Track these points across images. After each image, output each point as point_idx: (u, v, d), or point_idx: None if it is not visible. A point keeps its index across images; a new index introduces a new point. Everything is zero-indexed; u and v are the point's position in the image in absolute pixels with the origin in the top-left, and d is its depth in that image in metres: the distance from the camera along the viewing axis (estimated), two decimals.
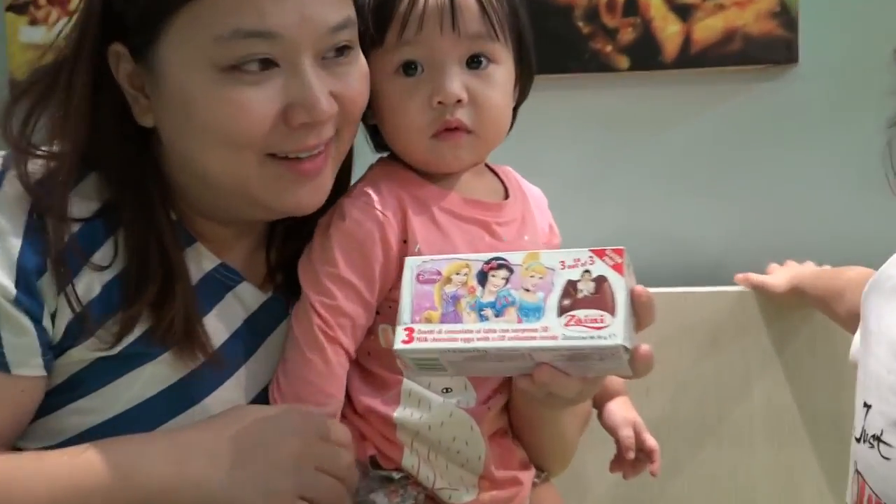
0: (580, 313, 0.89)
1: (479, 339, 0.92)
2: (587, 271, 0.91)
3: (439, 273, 0.95)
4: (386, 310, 1.08)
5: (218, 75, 0.96)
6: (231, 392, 1.06)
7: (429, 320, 0.93)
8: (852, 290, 1.30)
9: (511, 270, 0.93)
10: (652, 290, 0.94)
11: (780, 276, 1.56)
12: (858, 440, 0.99)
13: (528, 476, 1.17)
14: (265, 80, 0.98)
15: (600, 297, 0.89)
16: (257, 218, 1.10)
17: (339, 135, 1.04)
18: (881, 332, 0.99)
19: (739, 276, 1.61)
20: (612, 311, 0.89)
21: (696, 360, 1.58)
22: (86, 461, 0.96)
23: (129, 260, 1.02)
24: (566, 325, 0.90)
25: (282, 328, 1.12)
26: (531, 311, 0.91)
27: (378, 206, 1.07)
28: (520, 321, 0.91)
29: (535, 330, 0.91)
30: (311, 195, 1.05)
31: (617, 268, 0.90)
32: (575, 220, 1.77)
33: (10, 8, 1.89)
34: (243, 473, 0.99)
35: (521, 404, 1.12)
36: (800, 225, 1.78)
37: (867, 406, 0.99)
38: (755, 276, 1.59)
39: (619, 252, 0.91)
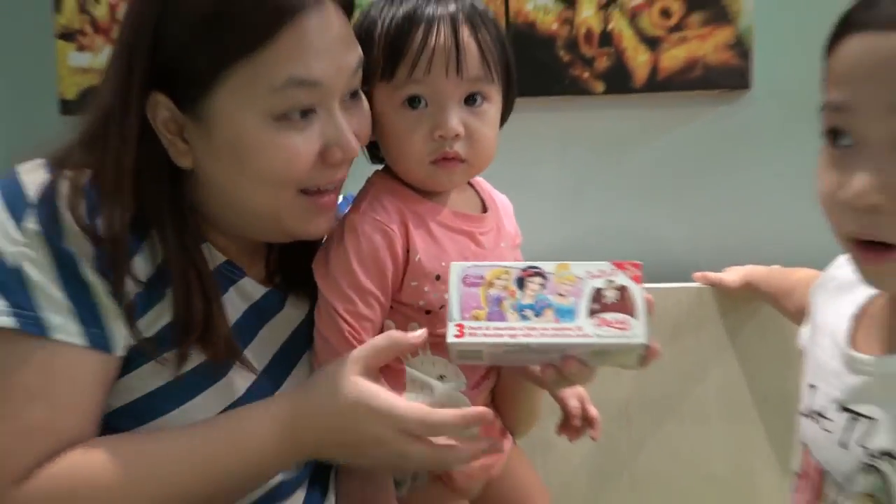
0: (608, 316, 0.95)
1: (522, 336, 0.95)
2: (611, 280, 0.96)
3: (482, 277, 0.98)
4: (390, 308, 1.10)
5: (271, 123, 0.97)
6: (237, 373, 1.05)
7: (476, 318, 0.96)
8: (801, 289, 1.30)
9: (545, 278, 0.97)
10: None
11: (733, 274, 1.58)
12: (804, 416, 0.99)
13: (507, 443, 1.20)
14: (307, 126, 0.99)
15: (623, 303, 0.95)
16: (275, 240, 1.11)
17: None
18: (825, 325, 1.00)
19: (698, 274, 1.63)
20: (634, 315, 0.95)
21: (660, 347, 1.60)
22: (206, 435, 0.98)
23: (176, 295, 1.00)
24: (597, 326, 0.95)
25: (278, 317, 1.11)
26: (566, 313, 0.95)
27: (385, 222, 1.07)
28: (557, 321, 0.95)
29: (571, 329, 0.95)
30: (326, 224, 1.07)
31: (636, 279, 0.97)
32: (557, 223, 1.82)
33: (60, 36, 1.88)
34: (343, 437, 0.99)
35: (510, 386, 1.14)
36: (752, 230, 1.79)
37: (812, 387, 0.99)
38: (712, 275, 1.61)
39: (636, 266, 0.97)
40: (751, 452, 1.63)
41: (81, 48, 1.89)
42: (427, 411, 0.98)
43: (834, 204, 0.85)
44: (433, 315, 1.08)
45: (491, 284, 0.97)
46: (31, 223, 0.94)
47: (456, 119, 1.08)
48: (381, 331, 1.09)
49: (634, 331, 0.94)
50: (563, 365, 0.99)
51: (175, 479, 0.95)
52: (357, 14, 1.11)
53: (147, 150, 0.99)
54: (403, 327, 1.08)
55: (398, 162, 1.12)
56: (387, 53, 1.08)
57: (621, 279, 0.96)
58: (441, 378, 1.07)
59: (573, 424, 1.23)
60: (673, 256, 1.80)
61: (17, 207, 0.95)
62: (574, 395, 1.24)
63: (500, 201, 1.24)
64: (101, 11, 1.88)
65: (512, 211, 1.26)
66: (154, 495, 0.95)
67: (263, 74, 0.95)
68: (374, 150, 1.17)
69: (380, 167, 1.18)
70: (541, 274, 0.97)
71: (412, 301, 1.08)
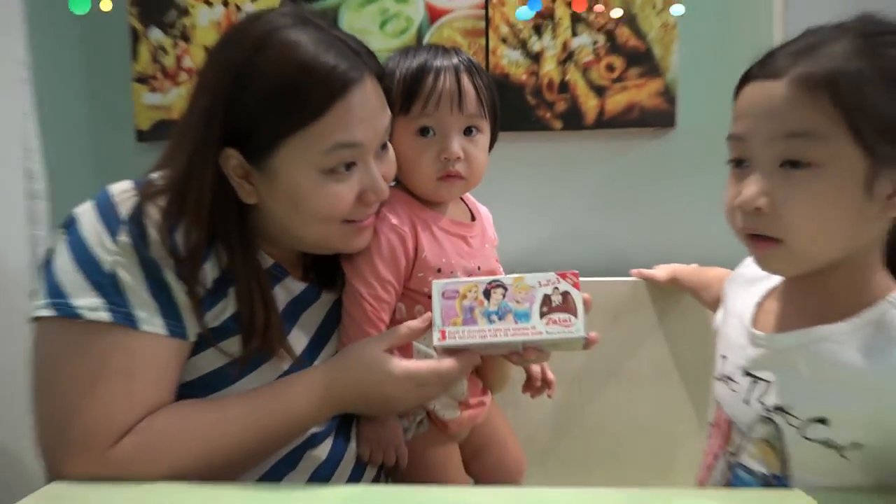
0: (555, 316, 0.96)
1: (490, 336, 0.97)
2: (556, 288, 0.96)
3: (457, 291, 0.99)
4: (402, 294, 1.11)
5: (321, 176, 0.97)
6: (282, 353, 1.03)
7: (454, 324, 0.98)
8: (715, 283, 1.32)
9: (505, 288, 0.98)
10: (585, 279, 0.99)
11: (662, 270, 1.58)
12: (717, 380, 1.01)
13: (488, 398, 1.20)
14: (349, 177, 0.99)
15: (566, 305, 0.96)
16: (322, 253, 1.09)
17: None
18: (735, 309, 1.01)
19: (634, 271, 1.62)
20: (575, 314, 0.96)
21: (605, 328, 1.62)
22: (260, 399, 0.98)
23: (240, 299, 0.99)
24: (547, 325, 0.96)
25: (313, 307, 1.10)
26: (523, 316, 0.96)
27: (400, 226, 1.08)
28: (516, 323, 0.97)
29: (528, 328, 0.96)
30: (365, 240, 1.07)
31: (576, 285, 0.97)
32: (524, 229, 1.83)
33: (136, 80, 1.87)
34: (372, 397, 1.01)
35: (487, 359, 1.16)
36: (677, 236, 1.80)
37: (723, 357, 1.00)
38: (645, 271, 1.60)
39: (575, 274, 0.97)
40: (675, 409, 1.63)
41: (153, 90, 1.88)
42: (436, 363, 1.01)
43: (731, 209, 0.89)
44: None
45: (464, 297, 0.98)
46: (124, 237, 0.94)
47: (457, 145, 1.10)
48: (395, 312, 1.11)
49: (576, 326, 0.95)
50: (524, 353, 1.01)
51: (236, 432, 0.96)
52: None
53: (220, 190, 0.97)
54: (411, 307, 1.10)
55: (411, 178, 1.13)
56: (404, 94, 1.09)
57: (564, 286, 0.96)
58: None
59: (534, 385, 1.24)
60: (615, 256, 1.81)
61: (112, 223, 0.95)
62: None
63: (484, 212, 1.26)
64: (169, 61, 1.86)
65: (491, 219, 1.27)
66: (220, 445, 0.94)
67: (317, 140, 0.95)
68: None
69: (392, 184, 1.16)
70: (502, 286, 0.98)
71: (418, 288, 1.09)
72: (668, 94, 1.78)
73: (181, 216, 0.96)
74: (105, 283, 0.92)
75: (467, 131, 1.12)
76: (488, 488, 1.03)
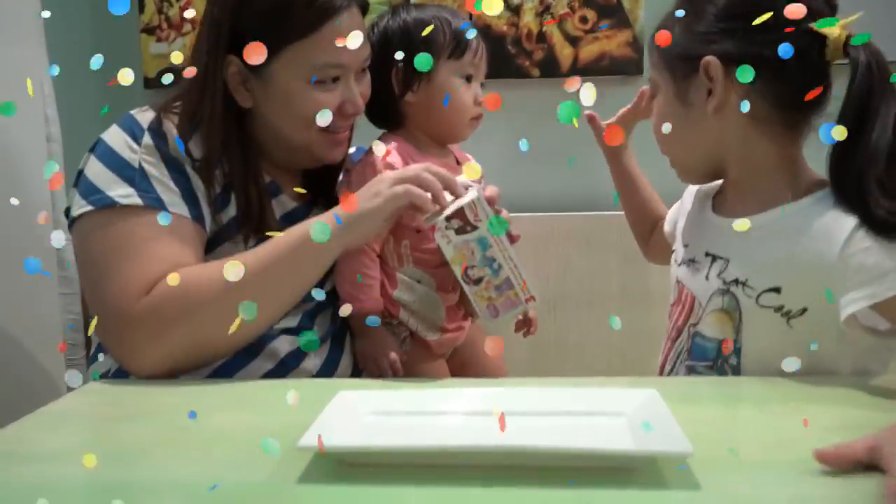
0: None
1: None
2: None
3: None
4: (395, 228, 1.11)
5: (310, 85, 1.04)
6: None
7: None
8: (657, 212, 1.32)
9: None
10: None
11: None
12: (680, 264, 1.04)
13: (467, 323, 1.21)
14: (334, 88, 1.06)
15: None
16: (306, 165, 1.15)
17: None
18: (695, 205, 1.09)
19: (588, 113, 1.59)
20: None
21: (580, 258, 1.71)
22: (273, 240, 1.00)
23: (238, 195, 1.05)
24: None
25: (302, 223, 1.06)
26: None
27: (394, 164, 1.10)
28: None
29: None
30: (340, 153, 1.13)
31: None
32: (506, 169, 1.84)
33: (143, 30, 1.91)
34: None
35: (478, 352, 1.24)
36: (645, 170, 1.83)
37: (686, 245, 1.05)
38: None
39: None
40: (643, 331, 1.69)
41: (159, 39, 1.91)
42: (409, 167, 1.02)
43: None
44: (422, 234, 1.10)
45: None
46: (147, 139, 1.01)
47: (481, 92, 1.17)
48: (384, 245, 1.11)
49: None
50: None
51: (256, 258, 0.96)
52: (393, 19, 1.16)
53: (224, 96, 1.04)
54: (399, 242, 1.11)
55: (448, 116, 1.15)
56: (457, 44, 1.13)
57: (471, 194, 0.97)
58: (419, 282, 1.12)
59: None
60: (590, 192, 1.80)
61: (136, 131, 1.02)
62: None
63: (469, 159, 1.26)
64: (173, 12, 1.89)
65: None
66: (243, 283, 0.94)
67: (308, 55, 1.02)
68: (377, 116, 1.19)
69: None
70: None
71: (407, 222, 1.10)
72: (636, 44, 1.83)
73: (196, 123, 1.03)
74: (134, 176, 0.99)
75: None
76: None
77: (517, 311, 0.99)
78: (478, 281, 0.98)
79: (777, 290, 0.91)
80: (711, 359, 0.98)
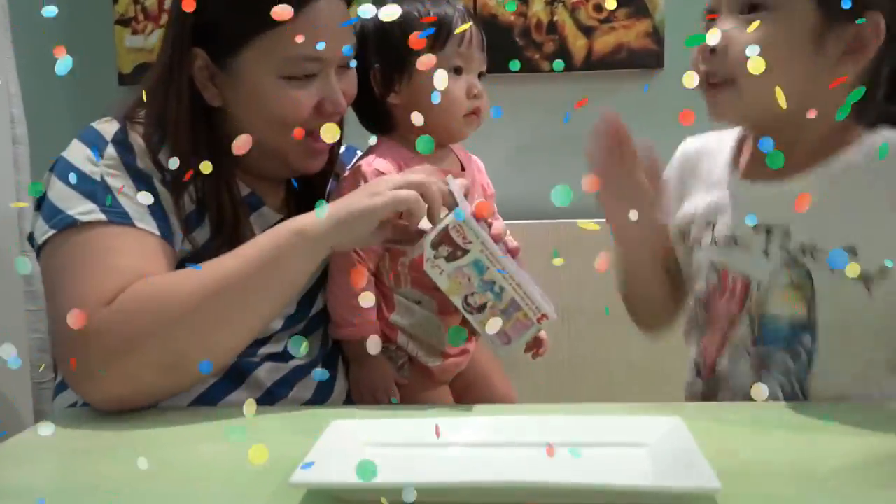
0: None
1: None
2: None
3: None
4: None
5: (282, 81, 1.02)
6: None
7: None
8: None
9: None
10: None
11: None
12: (714, 247, 1.01)
13: (472, 346, 1.22)
14: (308, 85, 1.03)
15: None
16: (282, 175, 1.13)
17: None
18: (711, 179, 1.06)
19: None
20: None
21: (593, 268, 1.70)
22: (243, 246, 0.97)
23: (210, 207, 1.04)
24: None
25: (289, 220, 1.05)
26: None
27: (384, 170, 1.09)
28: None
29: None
30: (319, 162, 1.11)
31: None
32: (513, 173, 1.86)
33: (117, 22, 1.89)
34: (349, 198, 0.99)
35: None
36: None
37: (712, 224, 1.02)
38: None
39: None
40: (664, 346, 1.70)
41: (135, 32, 1.90)
42: (405, 174, 1.00)
43: (695, 57, 0.95)
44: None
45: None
46: (111, 150, 1.00)
47: (479, 83, 1.15)
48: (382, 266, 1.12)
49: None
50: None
51: (224, 266, 0.94)
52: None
53: (191, 94, 1.03)
54: (395, 259, 1.12)
55: (440, 115, 1.11)
56: (440, 32, 1.11)
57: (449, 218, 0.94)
58: (418, 304, 1.13)
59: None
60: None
61: (98, 143, 1.00)
62: None
63: (475, 161, 1.27)
64: (150, 2, 1.88)
65: (483, 168, 1.28)
66: (214, 279, 0.92)
67: (281, 46, 1.00)
68: (370, 120, 1.20)
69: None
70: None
71: (390, 241, 1.05)
72: (657, 35, 1.82)
73: (162, 133, 1.02)
74: (97, 190, 0.97)
75: (480, 75, 1.17)
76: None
77: (530, 333, 0.97)
78: (481, 308, 0.95)
79: (851, 250, 0.89)
80: (785, 340, 0.97)
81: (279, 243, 0.95)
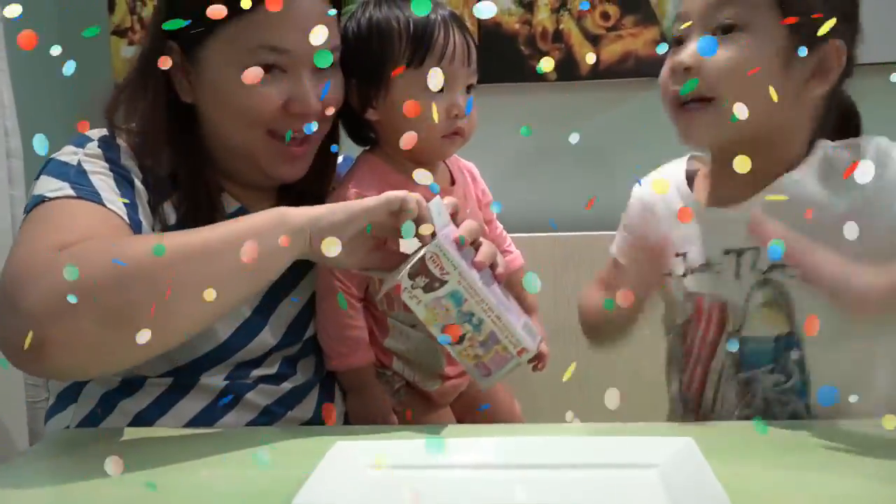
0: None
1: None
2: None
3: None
4: None
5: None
6: None
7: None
8: None
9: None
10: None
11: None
12: (686, 275, 1.03)
13: None
14: (275, 80, 1.01)
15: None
16: (261, 183, 1.11)
17: (318, 126, 1.00)
18: (669, 210, 1.08)
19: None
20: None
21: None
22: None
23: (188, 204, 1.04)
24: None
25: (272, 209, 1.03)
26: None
27: (362, 188, 1.06)
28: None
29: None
30: (295, 171, 1.08)
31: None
32: (517, 184, 1.86)
33: (114, 33, 1.90)
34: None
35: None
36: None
37: (683, 254, 1.04)
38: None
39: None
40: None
41: (131, 42, 1.91)
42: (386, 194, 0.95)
43: (664, 78, 1.00)
44: None
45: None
46: (93, 145, 1.01)
47: (463, 101, 1.09)
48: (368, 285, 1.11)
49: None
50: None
51: (196, 235, 0.90)
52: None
53: (167, 91, 1.04)
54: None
55: (418, 136, 1.00)
56: (415, 46, 1.06)
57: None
58: (413, 327, 1.12)
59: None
60: (611, 210, 1.83)
61: (82, 142, 1.01)
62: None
63: (465, 168, 1.23)
64: (146, 12, 1.88)
65: (477, 173, 1.24)
66: (177, 243, 0.87)
67: (244, 36, 0.99)
68: (357, 133, 1.17)
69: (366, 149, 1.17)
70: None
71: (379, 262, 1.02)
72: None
73: (146, 137, 1.03)
74: (70, 171, 0.97)
75: (468, 89, 1.11)
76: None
77: (510, 366, 0.95)
78: (460, 340, 0.94)
79: None
80: (771, 360, 0.99)
81: (256, 222, 0.92)
